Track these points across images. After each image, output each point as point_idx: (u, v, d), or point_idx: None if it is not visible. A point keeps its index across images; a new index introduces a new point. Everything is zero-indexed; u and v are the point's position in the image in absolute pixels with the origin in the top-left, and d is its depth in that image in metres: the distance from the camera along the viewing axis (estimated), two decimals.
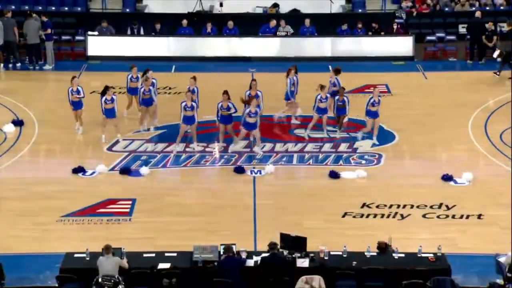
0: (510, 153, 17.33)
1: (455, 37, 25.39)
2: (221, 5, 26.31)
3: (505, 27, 23.24)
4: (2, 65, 23.47)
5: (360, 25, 24.71)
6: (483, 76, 22.88)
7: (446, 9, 26.54)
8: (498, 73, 22.58)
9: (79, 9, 26.50)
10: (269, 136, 18.48)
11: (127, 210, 15.12)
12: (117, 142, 18.15)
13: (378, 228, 14.37)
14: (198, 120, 17.73)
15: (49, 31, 23.48)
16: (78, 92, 18.28)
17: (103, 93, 17.85)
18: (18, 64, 23.62)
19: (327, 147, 17.95)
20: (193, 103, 17.37)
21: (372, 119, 17.91)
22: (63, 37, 25.05)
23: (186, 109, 17.31)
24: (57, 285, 12.24)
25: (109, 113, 17.79)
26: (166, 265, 12.27)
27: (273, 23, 24.82)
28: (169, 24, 25.09)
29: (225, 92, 17.46)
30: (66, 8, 26.40)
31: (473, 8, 25.79)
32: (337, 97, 18.20)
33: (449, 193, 15.87)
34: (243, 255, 12.48)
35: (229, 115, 17.41)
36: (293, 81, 18.95)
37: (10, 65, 23.52)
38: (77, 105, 18.38)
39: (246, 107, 17.42)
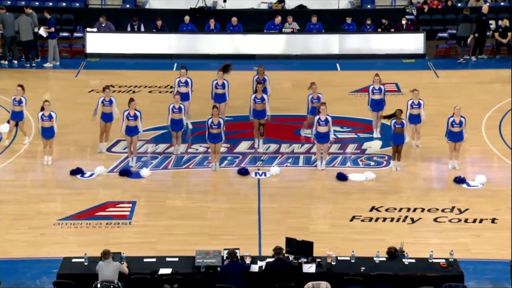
0: None
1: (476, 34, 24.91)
2: (224, 1, 26.05)
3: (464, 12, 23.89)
4: None
5: (369, 22, 24.33)
6: (497, 74, 22.60)
7: (459, 4, 26.14)
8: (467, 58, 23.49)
9: (77, 5, 26.25)
10: (274, 137, 18.15)
11: (127, 213, 14.93)
12: (117, 143, 17.81)
13: (387, 232, 14.22)
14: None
15: (52, 29, 23.07)
16: (20, 102, 17.38)
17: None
18: (15, 62, 23.28)
19: (334, 148, 17.67)
20: (137, 112, 16.54)
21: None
22: (61, 34, 24.68)
23: (129, 119, 16.49)
24: None
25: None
26: (168, 271, 12.10)
27: (278, 19, 24.42)
28: (170, 21, 24.88)
29: (215, 107, 16.69)
30: (64, 4, 26.18)
31: (486, 4, 25.34)
32: (394, 120, 16.29)
33: (461, 196, 15.69)
34: (247, 260, 12.29)
35: (219, 132, 16.48)
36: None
37: (6, 62, 23.21)
38: (17, 116, 17.44)
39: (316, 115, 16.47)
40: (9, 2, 25.46)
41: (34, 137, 18.06)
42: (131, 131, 16.60)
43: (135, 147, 16.89)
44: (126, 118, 16.53)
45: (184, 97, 18.20)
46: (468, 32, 23.32)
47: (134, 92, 21.04)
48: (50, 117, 16.58)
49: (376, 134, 18.21)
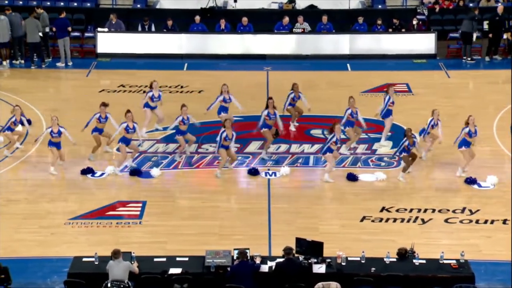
0: None
1: (480, 34, 24.74)
2: (235, 1, 25.95)
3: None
4: (7, 62, 23.11)
5: (379, 22, 24.21)
6: (508, 75, 22.40)
7: (471, 4, 25.90)
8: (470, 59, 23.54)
9: (88, 5, 26.24)
10: (284, 137, 18.07)
11: (137, 213, 14.88)
12: None
13: (398, 233, 14.12)
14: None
15: (54, 29, 23.11)
16: (21, 122, 17.01)
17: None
18: (22, 61, 23.37)
19: (344, 148, 17.51)
20: (135, 124, 16.28)
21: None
22: (72, 34, 24.64)
23: (128, 132, 16.22)
24: None
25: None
26: (178, 270, 12.07)
27: (286, 20, 24.34)
28: (181, 21, 24.86)
29: (227, 120, 16.26)
30: (75, 4, 26.17)
31: (498, 4, 25.19)
32: (407, 142, 15.76)
33: (472, 197, 15.57)
34: (257, 260, 12.25)
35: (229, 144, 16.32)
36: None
37: (18, 62, 23.22)
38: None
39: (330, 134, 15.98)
40: (21, 2, 25.53)
41: (45, 137, 18.02)
42: (127, 141, 16.39)
43: (131, 151, 16.73)
44: (125, 131, 16.31)
45: (153, 109, 18.09)
46: (470, 28, 23.28)
47: (144, 92, 21.02)
48: (59, 133, 16.29)
49: (383, 140, 17.90)
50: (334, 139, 15.82)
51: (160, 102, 18.17)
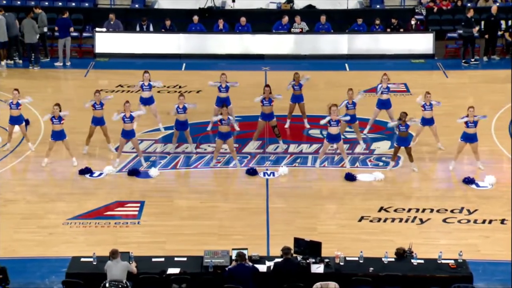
0: None
1: (478, 34, 24.75)
2: (233, 0, 25.93)
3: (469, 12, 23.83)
4: (5, 62, 23.09)
5: (378, 22, 24.20)
6: (506, 74, 22.46)
7: (469, 4, 25.91)
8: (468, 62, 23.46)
9: (86, 4, 26.21)
10: (283, 137, 18.03)
11: (136, 213, 14.89)
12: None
13: (396, 233, 14.13)
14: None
15: (54, 28, 23.04)
16: (17, 105, 17.12)
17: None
18: (20, 61, 23.33)
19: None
20: (133, 114, 16.37)
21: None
22: (71, 34, 24.59)
23: (125, 121, 16.32)
24: None
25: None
26: (176, 270, 12.10)
27: (285, 19, 24.34)
28: (179, 21, 24.81)
29: (224, 106, 16.59)
30: (73, 4, 26.15)
31: (496, 4, 25.21)
32: (398, 123, 16.13)
33: (470, 197, 15.57)
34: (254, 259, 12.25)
35: (229, 131, 16.53)
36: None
37: (12, 62, 23.20)
38: (15, 120, 17.19)
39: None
40: (18, 2, 25.51)
41: (43, 137, 18.02)
42: (127, 134, 16.45)
43: (138, 148, 16.77)
44: (122, 120, 16.36)
45: (148, 101, 18.16)
46: (464, 31, 23.38)
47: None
48: (60, 119, 16.50)
49: (366, 130, 18.08)
50: (328, 118, 16.09)
51: (150, 93, 18.22)
